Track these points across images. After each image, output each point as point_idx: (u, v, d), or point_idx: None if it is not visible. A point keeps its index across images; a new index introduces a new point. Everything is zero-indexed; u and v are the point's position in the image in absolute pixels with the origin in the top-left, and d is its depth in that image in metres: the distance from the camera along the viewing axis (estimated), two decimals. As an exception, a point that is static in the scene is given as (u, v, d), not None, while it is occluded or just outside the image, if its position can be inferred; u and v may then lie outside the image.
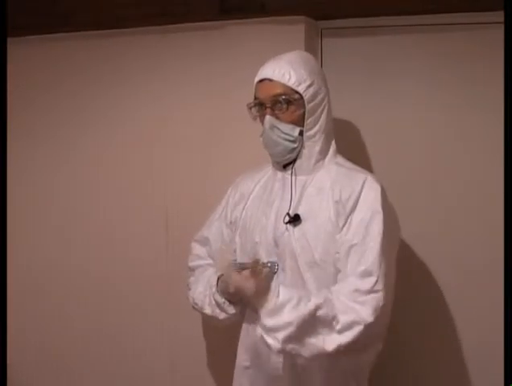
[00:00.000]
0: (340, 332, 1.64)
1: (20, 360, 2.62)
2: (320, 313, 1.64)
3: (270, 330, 1.64)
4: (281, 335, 1.63)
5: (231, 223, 1.96)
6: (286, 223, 1.79)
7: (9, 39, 2.15)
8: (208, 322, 1.99)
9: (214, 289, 1.87)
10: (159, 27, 2.35)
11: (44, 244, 2.62)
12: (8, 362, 1.98)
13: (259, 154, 1.90)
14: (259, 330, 1.68)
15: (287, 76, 1.74)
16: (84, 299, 2.55)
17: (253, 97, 1.82)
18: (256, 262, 1.78)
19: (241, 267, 1.78)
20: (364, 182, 1.76)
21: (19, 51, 2.50)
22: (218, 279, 1.86)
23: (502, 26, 1.61)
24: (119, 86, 2.46)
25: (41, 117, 2.59)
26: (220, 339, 2.26)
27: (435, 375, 2.23)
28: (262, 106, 1.79)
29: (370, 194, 1.75)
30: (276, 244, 1.81)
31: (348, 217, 1.74)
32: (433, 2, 2.02)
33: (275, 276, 1.80)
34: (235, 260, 1.91)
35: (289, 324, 1.62)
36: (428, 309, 2.24)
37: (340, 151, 1.87)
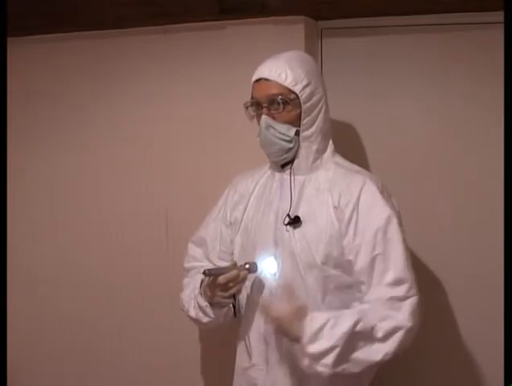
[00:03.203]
0: (382, 341, 1.64)
1: (20, 359, 2.62)
2: (358, 327, 1.62)
3: (317, 358, 1.61)
4: (329, 360, 1.60)
5: (231, 223, 1.95)
6: (286, 224, 1.79)
7: (9, 39, 2.14)
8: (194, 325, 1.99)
9: (197, 292, 1.87)
10: (159, 27, 2.35)
11: (44, 243, 2.62)
12: (8, 362, 1.97)
13: (260, 154, 1.89)
14: (305, 360, 1.63)
15: (284, 76, 1.73)
16: (85, 299, 2.56)
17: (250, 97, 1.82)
18: (233, 265, 1.78)
19: (218, 271, 1.76)
20: (362, 187, 1.75)
21: (19, 51, 2.50)
22: (202, 281, 1.86)
23: (502, 26, 1.61)
24: (119, 85, 2.46)
25: (41, 116, 2.59)
26: (220, 339, 2.26)
27: (435, 375, 2.24)
28: (258, 106, 1.79)
29: (371, 199, 1.74)
30: (276, 245, 1.81)
31: (348, 223, 1.73)
32: (433, 2, 2.02)
33: (275, 280, 1.81)
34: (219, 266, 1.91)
35: (333, 347, 1.60)
36: (429, 309, 2.23)
37: (339, 151, 1.87)
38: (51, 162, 2.59)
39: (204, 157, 2.35)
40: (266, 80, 1.76)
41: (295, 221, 1.78)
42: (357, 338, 1.62)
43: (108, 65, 2.47)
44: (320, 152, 1.81)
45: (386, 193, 1.78)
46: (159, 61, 2.39)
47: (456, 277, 2.19)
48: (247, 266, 1.77)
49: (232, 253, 1.94)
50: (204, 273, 1.75)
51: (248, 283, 1.83)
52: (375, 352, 1.64)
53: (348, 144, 2.05)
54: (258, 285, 1.83)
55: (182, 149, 2.39)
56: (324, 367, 1.61)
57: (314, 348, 1.60)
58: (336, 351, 1.60)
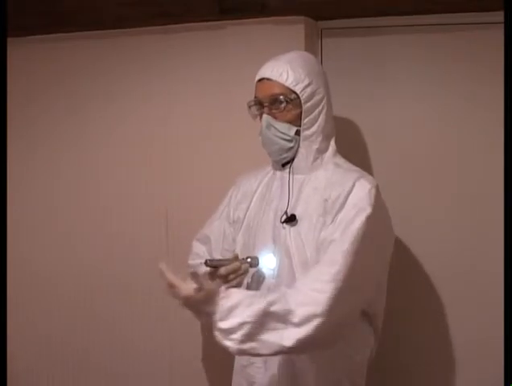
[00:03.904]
0: (298, 326, 1.57)
1: (20, 359, 2.62)
2: (273, 308, 1.56)
3: (226, 333, 1.57)
4: (236, 336, 1.56)
5: (234, 222, 1.97)
6: (283, 222, 1.80)
7: (9, 39, 2.15)
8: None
9: None
10: (159, 27, 2.35)
11: (43, 244, 2.61)
12: (8, 360, 1.97)
13: (260, 154, 1.89)
14: (217, 334, 1.59)
15: (285, 76, 1.75)
16: (85, 298, 2.55)
17: (253, 97, 1.83)
18: (235, 258, 1.79)
19: (220, 263, 1.78)
20: (355, 182, 1.74)
21: (19, 51, 2.50)
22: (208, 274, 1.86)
23: (502, 26, 1.61)
24: (119, 86, 2.46)
25: (41, 117, 2.59)
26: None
27: (434, 375, 2.23)
28: (261, 105, 1.81)
29: (359, 193, 1.72)
30: (274, 243, 1.82)
31: (335, 216, 1.72)
32: (433, 2, 2.02)
33: (273, 277, 1.80)
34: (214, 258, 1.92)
35: (242, 324, 1.55)
36: (429, 309, 2.24)
37: (339, 150, 1.87)
38: (51, 161, 2.59)
39: (204, 157, 2.35)
40: (267, 79, 1.78)
41: (290, 219, 1.79)
42: (269, 318, 1.56)
43: (108, 65, 2.47)
44: (321, 152, 1.82)
45: (377, 196, 1.74)
46: (160, 61, 2.39)
47: (454, 276, 2.19)
48: (249, 260, 1.79)
49: (234, 252, 1.94)
50: (205, 263, 1.76)
51: (246, 280, 1.84)
52: (287, 337, 1.57)
53: (348, 144, 2.04)
54: (257, 281, 1.84)
55: (182, 148, 2.38)
56: (232, 341, 1.57)
57: (224, 325, 1.56)
58: (245, 328, 1.55)
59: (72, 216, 2.57)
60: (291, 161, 1.84)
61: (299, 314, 1.56)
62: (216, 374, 2.36)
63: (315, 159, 1.82)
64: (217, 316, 1.56)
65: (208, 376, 2.41)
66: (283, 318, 1.57)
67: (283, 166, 1.87)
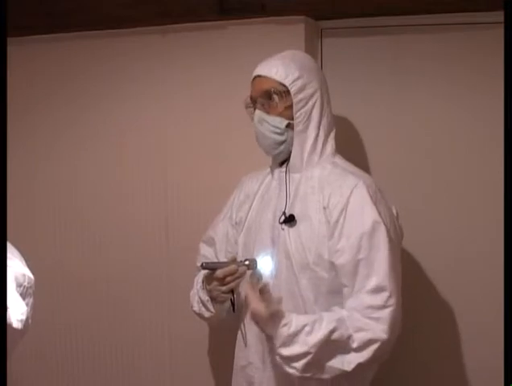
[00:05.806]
0: (357, 351, 1.63)
1: (18, 366, 2.61)
2: (334, 336, 1.62)
3: (288, 360, 1.63)
4: (299, 365, 1.62)
5: (236, 223, 1.97)
6: (281, 223, 1.80)
7: (9, 39, 2.14)
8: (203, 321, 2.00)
9: (199, 286, 1.88)
10: (159, 27, 2.35)
11: (43, 250, 2.58)
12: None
13: (262, 157, 1.90)
14: (277, 359, 1.65)
15: (275, 70, 1.77)
16: (83, 302, 2.54)
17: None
18: (232, 260, 1.79)
19: (216, 265, 1.78)
20: (352, 190, 1.73)
21: (19, 51, 2.49)
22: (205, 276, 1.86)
23: (502, 26, 1.60)
24: (117, 87, 2.46)
25: (40, 118, 2.58)
26: (220, 339, 2.26)
27: (434, 375, 2.23)
28: (255, 103, 1.82)
29: (360, 202, 1.72)
30: (273, 244, 1.82)
31: (335, 225, 1.72)
32: (433, 2, 2.02)
33: (272, 278, 1.80)
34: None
35: (306, 353, 1.60)
36: (429, 310, 2.24)
37: (338, 150, 1.87)
38: (50, 162, 2.58)
39: (204, 157, 2.35)
40: (259, 76, 1.80)
41: (289, 220, 1.78)
42: (331, 346, 1.62)
43: (107, 66, 2.46)
44: (316, 149, 1.81)
45: (378, 198, 1.75)
46: (159, 62, 2.38)
47: (455, 276, 2.19)
48: (247, 262, 1.78)
49: (237, 254, 1.94)
50: (201, 265, 1.77)
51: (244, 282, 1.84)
52: (348, 362, 1.64)
53: (347, 143, 2.05)
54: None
55: (182, 149, 2.38)
56: (294, 369, 1.63)
57: (287, 351, 1.61)
58: (308, 357, 1.61)
59: (73, 218, 2.55)
60: (287, 159, 1.84)
61: (357, 339, 1.63)
62: (217, 374, 2.36)
63: (310, 155, 1.81)
64: (278, 342, 1.61)
65: (207, 376, 2.40)
66: (344, 345, 1.63)
67: (281, 165, 1.87)
